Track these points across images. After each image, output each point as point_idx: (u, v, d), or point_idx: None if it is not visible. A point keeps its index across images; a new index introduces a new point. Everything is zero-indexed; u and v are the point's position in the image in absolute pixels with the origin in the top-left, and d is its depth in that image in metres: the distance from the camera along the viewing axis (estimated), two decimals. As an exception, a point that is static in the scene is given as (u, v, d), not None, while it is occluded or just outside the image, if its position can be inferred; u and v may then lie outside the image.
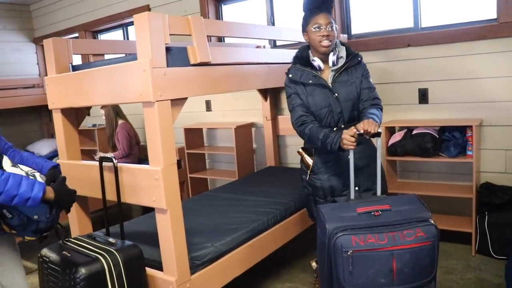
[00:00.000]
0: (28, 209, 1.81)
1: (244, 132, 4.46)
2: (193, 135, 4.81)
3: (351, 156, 2.27)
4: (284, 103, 4.39)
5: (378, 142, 2.37)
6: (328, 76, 2.48)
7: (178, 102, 2.15)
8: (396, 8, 3.81)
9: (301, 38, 3.41)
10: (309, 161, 2.56)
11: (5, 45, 6.76)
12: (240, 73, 2.58)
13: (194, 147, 4.80)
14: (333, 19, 2.45)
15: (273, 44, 4.50)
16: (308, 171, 2.56)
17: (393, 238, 2.00)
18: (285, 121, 4.32)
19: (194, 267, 2.32)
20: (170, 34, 2.10)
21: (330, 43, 2.41)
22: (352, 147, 2.26)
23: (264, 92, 4.24)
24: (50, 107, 2.60)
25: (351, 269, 2.02)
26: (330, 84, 2.45)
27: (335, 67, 2.46)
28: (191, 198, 3.76)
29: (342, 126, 2.44)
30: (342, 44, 2.54)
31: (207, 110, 4.96)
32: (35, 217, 1.85)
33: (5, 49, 6.74)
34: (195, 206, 3.22)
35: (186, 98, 2.20)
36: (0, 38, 6.69)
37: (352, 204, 2.16)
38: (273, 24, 4.51)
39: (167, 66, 2.08)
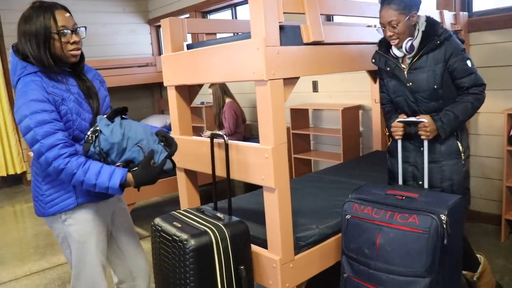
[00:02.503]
0: None
1: (351, 114, 4.36)
2: (299, 115, 4.79)
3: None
4: (394, 86, 4.21)
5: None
6: (406, 63, 2.39)
7: (290, 82, 2.13)
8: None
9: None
10: (389, 142, 2.61)
11: (123, 26, 7.21)
12: (353, 53, 2.50)
13: (299, 128, 4.79)
14: (400, 11, 2.24)
15: (385, 24, 4.31)
16: (387, 155, 2.62)
17: (386, 216, 2.10)
18: (394, 104, 4.14)
19: (298, 248, 2.31)
20: (283, 13, 2.07)
21: (398, 41, 2.30)
22: (398, 137, 2.40)
23: (373, 74, 4.07)
24: (165, 84, 2.71)
25: (346, 231, 2.26)
26: (405, 73, 2.36)
27: (410, 55, 2.34)
28: (295, 178, 3.75)
29: (418, 116, 2.36)
30: (428, 25, 2.33)
31: (313, 91, 4.90)
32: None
33: (122, 30, 7.20)
34: (299, 187, 3.20)
35: (298, 78, 2.18)
36: (119, 20, 7.15)
37: (390, 187, 2.34)
38: (385, 2, 4.31)
39: (280, 45, 2.06)
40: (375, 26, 4.01)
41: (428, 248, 1.96)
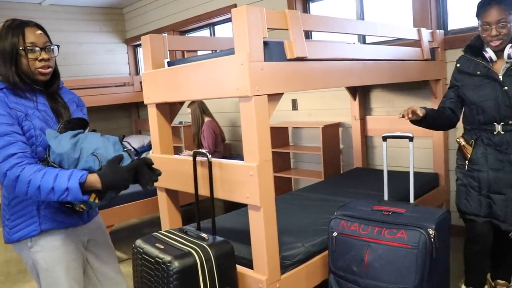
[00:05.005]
0: None
1: (331, 131, 4.36)
2: (279, 133, 4.76)
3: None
4: (373, 103, 4.25)
5: (410, 147, 2.43)
6: (500, 68, 2.37)
7: (274, 98, 2.10)
8: None
9: (398, 34, 3.29)
10: (468, 150, 2.50)
11: (100, 46, 7.15)
12: (336, 69, 2.49)
13: (279, 146, 4.76)
14: (508, 12, 2.28)
15: (362, 41, 4.37)
16: (466, 161, 2.50)
17: (374, 232, 2.09)
18: (374, 121, 4.18)
19: (284, 267, 2.26)
20: (267, 28, 2.06)
21: (500, 42, 2.31)
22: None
23: (353, 91, 4.12)
24: (145, 101, 2.65)
25: (334, 249, 2.24)
26: (501, 77, 2.34)
27: (511, 60, 2.33)
28: (277, 197, 3.70)
29: (510, 122, 2.34)
30: None
31: (293, 109, 4.90)
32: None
33: (99, 50, 7.13)
34: (282, 205, 3.16)
35: (282, 94, 2.15)
36: (96, 39, 7.09)
37: (376, 202, 2.33)
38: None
39: (264, 61, 2.04)
40: (354, 43, 4.07)
41: (417, 264, 1.94)
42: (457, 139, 2.56)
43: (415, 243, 1.96)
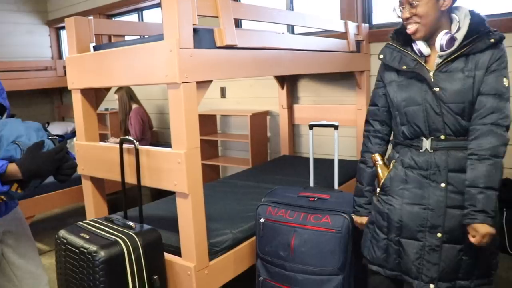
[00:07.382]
0: None
1: (259, 120, 4.41)
2: (207, 121, 4.75)
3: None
4: (301, 92, 4.34)
5: (335, 135, 2.47)
6: (434, 63, 1.76)
7: (203, 85, 2.10)
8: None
9: (326, 26, 3.37)
10: (382, 173, 1.87)
11: (19, 26, 6.75)
12: (266, 58, 2.52)
13: (207, 134, 4.75)
14: None
15: (291, 32, 4.44)
16: (378, 189, 1.89)
17: (300, 217, 2.18)
18: (301, 110, 4.27)
19: (212, 254, 2.28)
20: (197, 15, 2.05)
21: (416, 28, 1.72)
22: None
23: (281, 80, 4.19)
24: (69, 87, 2.56)
25: (261, 234, 2.29)
26: (431, 74, 1.71)
27: (445, 52, 1.71)
28: (205, 184, 3.71)
29: (442, 137, 1.70)
30: (474, 18, 1.70)
31: (221, 97, 4.91)
32: None
33: (18, 31, 6.74)
34: (210, 192, 3.17)
35: (211, 81, 2.16)
36: (13, 19, 6.67)
37: (302, 189, 2.42)
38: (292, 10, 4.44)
39: (194, 48, 2.03)
40: (283, 33, 4.12)
41: (341, 247, 2.03)
42: (373, 155, 1.94)
43: (339, 227, 2.04)
